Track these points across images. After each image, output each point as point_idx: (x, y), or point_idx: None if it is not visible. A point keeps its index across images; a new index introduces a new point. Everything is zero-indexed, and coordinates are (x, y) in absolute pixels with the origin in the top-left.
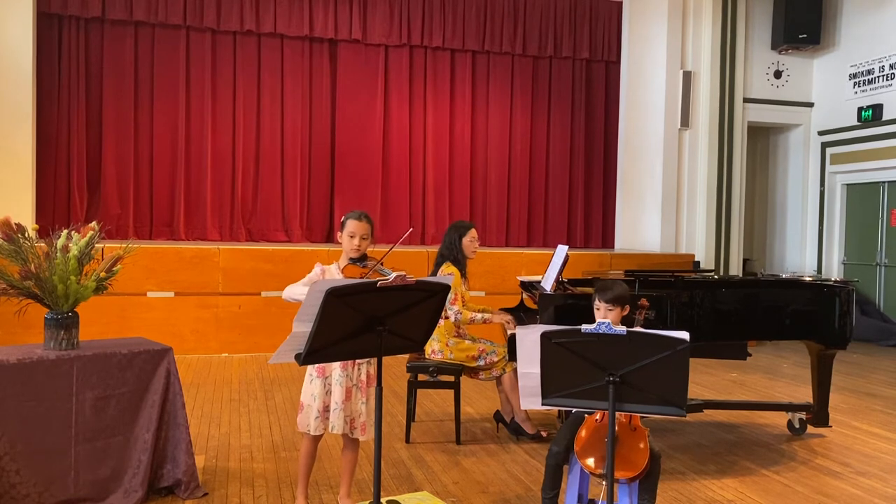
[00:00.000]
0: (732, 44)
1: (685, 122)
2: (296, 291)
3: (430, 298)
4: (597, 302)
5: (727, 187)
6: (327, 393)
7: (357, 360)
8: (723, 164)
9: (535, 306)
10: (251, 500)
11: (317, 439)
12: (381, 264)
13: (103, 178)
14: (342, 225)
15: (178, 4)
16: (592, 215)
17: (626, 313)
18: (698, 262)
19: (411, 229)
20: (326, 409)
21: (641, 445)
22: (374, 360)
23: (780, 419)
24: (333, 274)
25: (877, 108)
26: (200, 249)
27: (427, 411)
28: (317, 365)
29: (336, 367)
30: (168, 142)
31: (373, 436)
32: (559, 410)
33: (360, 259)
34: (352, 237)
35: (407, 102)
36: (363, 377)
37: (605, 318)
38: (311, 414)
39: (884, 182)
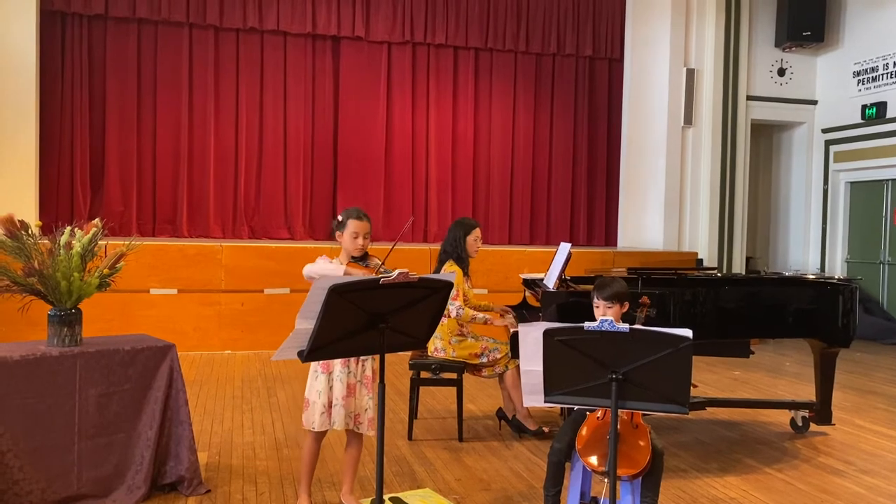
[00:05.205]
0: (736, 41)
1: (688, 119)
2: (316, 269)
3: (432, 296)
4: (596, 300)
5: (730, 185)
6: (331, 389)
7: (360, 357)
8: (726, 162)
9: (537, 304)
10: (254, 497)
11: (320, 436)
12: (384, 265)
13: (106, 175)
14: (342, 224)
15: (180, 2)
16: (595, 213)
17: (625, 310)
18: (701, 260)
19: (412, 218)
20: (331, 405)
21: (643, 443)
22: (377, 356)
23: (782, 417)
24: (338, 271)
25: (881, 106)
26: (203, 247)
27: (429, 408)
28: (321, 361)
29: (337, 364)
30: (171, 139)
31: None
32: (561, 407)
33: (362, 258)
34: (355, 237)
35: (410, 100)
36: (368, 373)
37: (606, 316)
38: (316, 410)
39: (888, 180)
